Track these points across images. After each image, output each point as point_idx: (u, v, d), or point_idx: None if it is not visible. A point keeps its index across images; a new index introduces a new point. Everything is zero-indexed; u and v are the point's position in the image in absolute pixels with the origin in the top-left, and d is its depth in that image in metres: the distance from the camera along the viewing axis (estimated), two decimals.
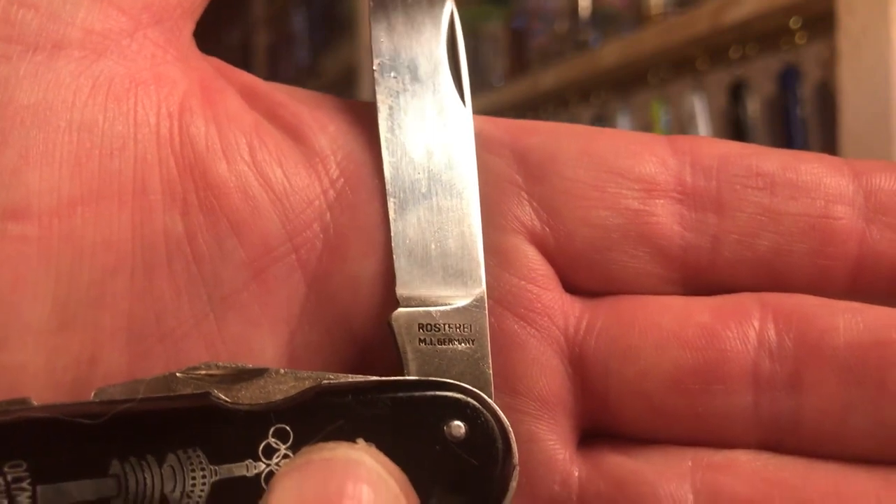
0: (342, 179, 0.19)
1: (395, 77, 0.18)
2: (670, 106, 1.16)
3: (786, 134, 0.95)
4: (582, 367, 0.19)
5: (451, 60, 0.19)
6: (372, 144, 0.19)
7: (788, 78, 0.95)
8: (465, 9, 1.66)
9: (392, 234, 0.18)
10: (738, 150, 0.20)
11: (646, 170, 0.20)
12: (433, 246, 0.18)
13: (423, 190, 0.18)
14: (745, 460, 0.19)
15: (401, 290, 0.18)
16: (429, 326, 0.18)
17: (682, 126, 1.12)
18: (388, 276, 0.18)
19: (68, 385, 0.17)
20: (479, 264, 0.18)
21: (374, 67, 0.18)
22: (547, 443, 0.19)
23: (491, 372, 0.18)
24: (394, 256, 0.18)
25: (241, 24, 3.74)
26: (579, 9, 1.27)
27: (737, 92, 1.03)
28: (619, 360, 0.19)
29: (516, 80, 1.45)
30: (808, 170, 0.20)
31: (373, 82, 0.18)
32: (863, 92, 0.82)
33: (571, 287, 0.20)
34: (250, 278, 0.18)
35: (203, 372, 0.17)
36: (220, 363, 0.17)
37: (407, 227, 0.18)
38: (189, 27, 0.20)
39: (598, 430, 0.20)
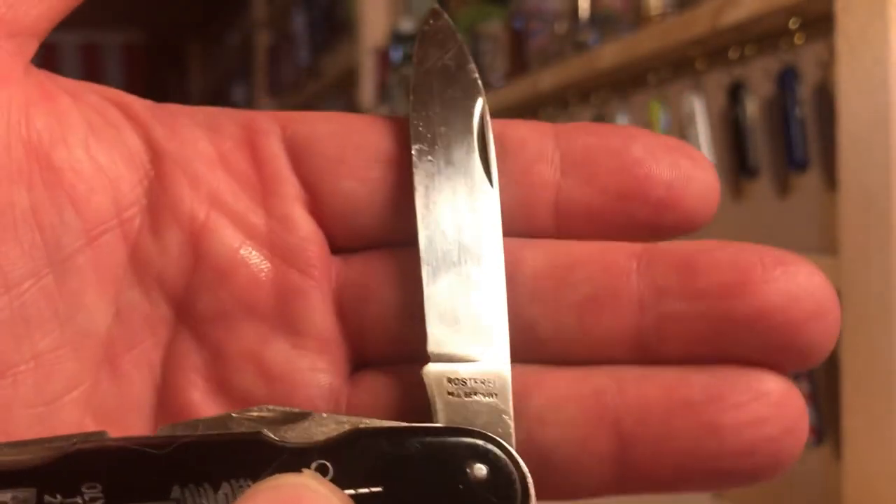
0: (153, 172, 0.22)
1: (430, 161, 0.21)
2: (669, 106, 1.16)
3: (784, 134, 0.96)
4: (341, 311, 0.22)
5: (481, 146, 0.21)
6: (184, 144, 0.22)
7: (787, 78, 0.95)
8: (465, 9, 1.67)
9: (425, 297, 0.20)
10: None
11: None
12: (462, 309, 0.20)
13: (454, 259, 0.20)
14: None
15: (432, 348, 0.20)
16: (457, 381, 0.20)
17: (681, 126, 1.13)
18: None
19: None
20: (503, 325, 0.20)
21: (413, 153, 0.21)
22: (325, 373, 0.22)
23: (512, 423, 0.20)
24: (426, 318, 0.20)
25: (241, 25, 3.74)
26: (579, 10, 1.27)
27: (736, 92, 1.03)
28: (366, 302, 0.22)
29: (516, 80, 1.45)
30: (515, 135, 0.22)
31: (410, 161, 0.21)
32: (861, 92, 0.82)
33: (337, 246, 0.23)
34: (85, 245, 0.21)
35: (255, 414, 0.19)
36: (271, 406, 0.20)
37: (439, 291, 0.20)
38: (34, 46, 0.22)
39: (370, 361, 0.23)
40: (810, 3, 0.88)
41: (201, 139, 0.22)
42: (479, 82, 0.21)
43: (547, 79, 1.34)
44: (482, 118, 0.21)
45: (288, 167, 0.22)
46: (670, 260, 0.21)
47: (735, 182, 1.07)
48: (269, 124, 0.23)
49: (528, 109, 1.49)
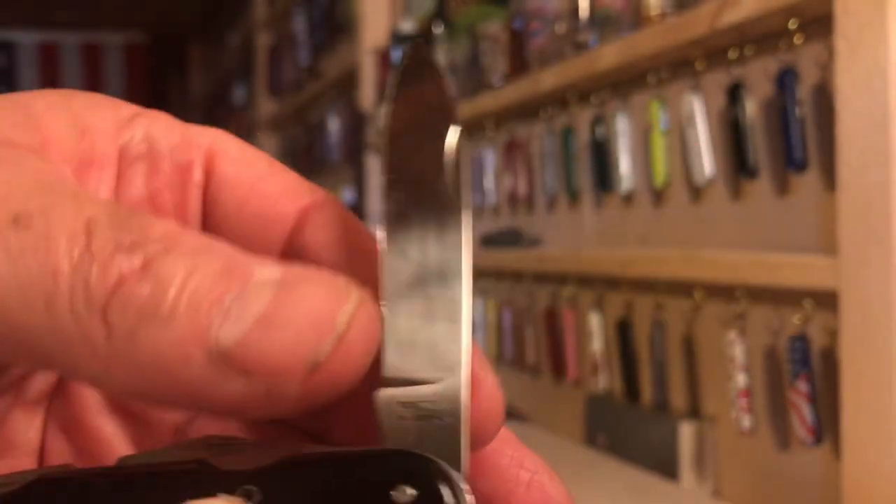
0: None
1: (400, 189, 0.20)
2: (669, 106, 1.16)
3: (784, 134, 0.96)
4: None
5: (453, 172, 0.21)
6: None
7: (786, 79, 0.95)
8: (465, 9, 1.67)
9: (385, 324, 0.19)
10: None
11: None
12: (421, 332, 0.20)
13: (416, 283, 0.20)
14: None
15: (387, 373, 0.20)
16: (408, 404, 0.19)
17: (681, 126, 1.13)
18: None
19: None
20: (465, 348, 0.20)
21: (383, 183, 0.20)
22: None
23: (466, 447, 0.19)
24: (384, 343, 0.19)
25: (242, 26, 3.74)
26: (579, 10, 1.28)
27: (735, 93, 1.03)
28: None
29: (516, 80, 1.45)
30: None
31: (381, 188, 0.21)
32: (860, 93, 0.82)
33: None
34: None
35: (201, 444, 0.20)
36: (216, 436, 0.20)
37: (398, 317, 0.20)
38: None
39: None
40: (809, 3, 0.89)
41: None
42: (456, 109, 0.21)
43: (547, 79, 1.34)
44: (456, 142, 0.21)
45: None
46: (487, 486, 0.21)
47: (734, 182, 1.07)
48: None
49: (528, 110, 1.49)
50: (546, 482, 0.21)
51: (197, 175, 0.22)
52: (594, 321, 1.33)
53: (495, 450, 0.21)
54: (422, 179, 0.20)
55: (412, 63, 0.21)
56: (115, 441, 0.23)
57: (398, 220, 0.20)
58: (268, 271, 0.17)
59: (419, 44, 0.21)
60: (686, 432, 1.13)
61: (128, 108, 0.22)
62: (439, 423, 0.19)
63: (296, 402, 0.17)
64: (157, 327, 0.16)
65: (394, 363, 0.20)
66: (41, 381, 0.22)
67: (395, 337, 0.20)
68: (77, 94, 0.21)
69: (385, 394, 0.19)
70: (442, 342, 0.19)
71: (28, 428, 0.22)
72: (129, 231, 0.17)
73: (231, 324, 0.16)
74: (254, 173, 0.22)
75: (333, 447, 0.19)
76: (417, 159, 0.20)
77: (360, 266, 0.21)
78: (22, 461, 0.22)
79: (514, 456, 0.21)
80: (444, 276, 0.20)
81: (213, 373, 0.16)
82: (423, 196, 0.20)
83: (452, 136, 0.21)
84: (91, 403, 0.23)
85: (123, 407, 0.23)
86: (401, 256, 0.20)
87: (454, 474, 0.18)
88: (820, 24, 0.90)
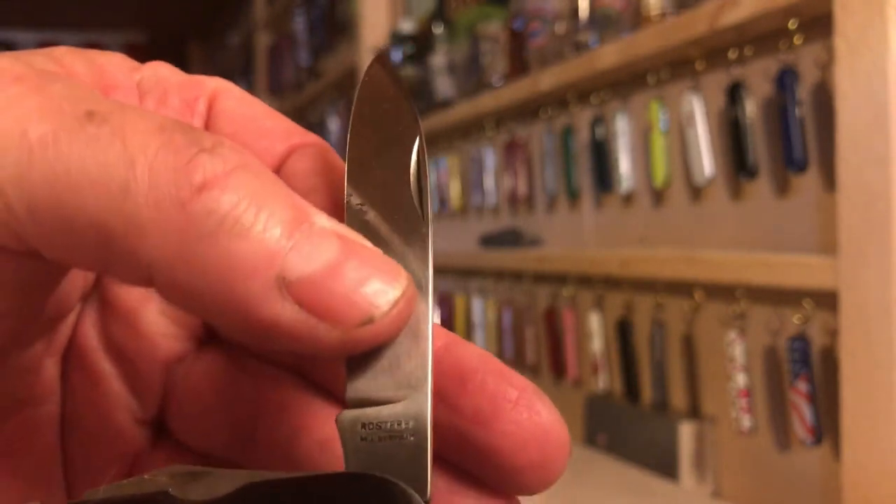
0: None
1: (362, 206, 0.20)
2: (669, 107, 1.16)
3: (783, 134, 0.96)
4: None
5: (417, 184, 0.20)
6: None
7: (786, 79, 0.95)
8: (465, 10, 1.67)
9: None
10: None
11: None
12: (384, 350, 0.19)
13: None
14: None
15: (350, 394, 0.19)
16: (371, 425, 0.19)
17: (680, 126, 1.13)
18: None
19: None
20: (425, 367, 0.19)
21: (346, 199, 0.20)
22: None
23: (428, 467, 0.19)
24: (346, 363, 0.19)
25: (242, 26, 3.74)
26: (579, 10, 1.28)
27: (735, 93, 1.03)
28: None
29: (515, 80, 1.45)
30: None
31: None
32: (860, 93, 0.82)
33: None
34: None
35: (164, 478, 0.19)
36: (181, 466, 0.20)
37: None
38: None
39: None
40: (809, 3, 0.89)
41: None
42: (419, 120, 0.21)
43: (547, 79, 1.34)
44: (419, 154, 0.20)
45: None
46: (450, 365, 0.20)
47: (734, 182, 1.08)
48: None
49: (528, 109, 1.49)
50: (535, 400, 0.20)
51: (201, 107, 0.22)
52: (594, 321, 1.33)
53: (479, 369, 0.20)
54: (385, 193, 0.20)
55: (374, 77, 0.21)
56: (112, 381, 0.23)
57: (361, 234, 0.20)
58: (321, 218, 0.18)
59: (381, 57, 0.21)
60: (686, 432, 1.13)
61: (135, 61, 0.23)
62: (403, 442, 0.19)
63: (330, 346, 0.18)
64: (234, 237, 0.17)
65: (356, 384, 0.19)
66: (66, 328, 0.23)
67: (356, 356, 0.19)
68: (89, 49, 0.22)
69: (347, 416, 0.19)
70: (405, 359, 0.19)
71: (56, 376, 0.23)
72: (203, 136, 0.17)
73: (302, 259, 0.17)
74: (251, 112, 0.23)
75: (296, 472, 0.19)
76: (380, 174, 0.20)
77: (334, 198, 0.21)
78: (53, 408, 0.23)
79: (502, 373, 0.20)
80: None
81: (271, 294, 0.17)
82: (386, 210, 0.20)
83: (415, 149, 0.20)
84: (92, 345, 0.23)
85: (118, 349, 0.23)
86: None
87: (414, 497, 0.18)
88: (820, 24, 0.91)
